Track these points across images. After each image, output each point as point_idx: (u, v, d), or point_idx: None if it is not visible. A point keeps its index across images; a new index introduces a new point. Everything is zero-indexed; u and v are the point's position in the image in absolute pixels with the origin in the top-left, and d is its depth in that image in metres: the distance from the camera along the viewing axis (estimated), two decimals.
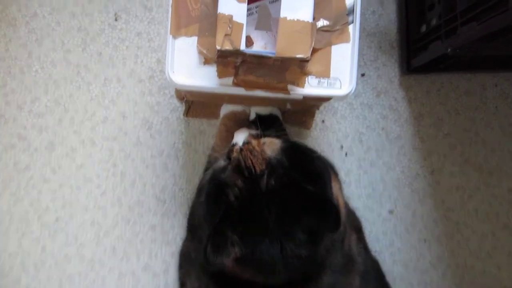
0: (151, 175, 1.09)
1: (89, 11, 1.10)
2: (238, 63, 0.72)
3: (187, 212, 1.02)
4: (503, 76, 1.09)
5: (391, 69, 1.09)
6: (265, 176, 0.67)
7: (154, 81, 1.09)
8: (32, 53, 1.10)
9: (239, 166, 0.69)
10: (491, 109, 1.09)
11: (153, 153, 1.09)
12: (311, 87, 0.75)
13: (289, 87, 0.75)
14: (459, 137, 1.08)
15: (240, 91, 0.75)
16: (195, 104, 1.08)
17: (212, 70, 0.74)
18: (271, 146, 0.71)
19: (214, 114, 1.09)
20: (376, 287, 0.92)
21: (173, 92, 1.08)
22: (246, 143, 0.73)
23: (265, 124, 1.04)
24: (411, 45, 1.06)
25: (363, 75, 1.09)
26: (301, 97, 0.78)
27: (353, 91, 0.75)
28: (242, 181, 0.68)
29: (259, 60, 0.72)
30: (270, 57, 0.70)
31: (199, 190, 0.94)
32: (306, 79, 0.75)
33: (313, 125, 1.09)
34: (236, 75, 0.73)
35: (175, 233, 1.08)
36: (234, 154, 0.71)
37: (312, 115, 1.10)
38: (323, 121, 1.10)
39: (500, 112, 1.09)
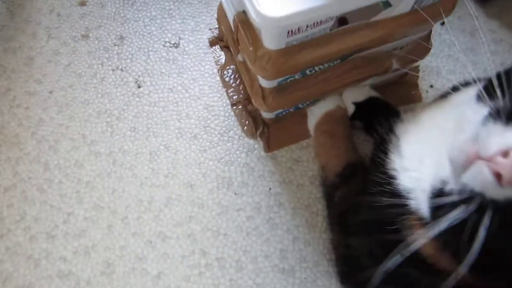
0: (258, 243, 0.76)
1: (104, 90, 0.89)
2: None
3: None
4: None
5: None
6: None
7: (211, 130, 0.84)
8: (48, 165, 0.83)
9: None
10: None
11: (247, 214, 0.78)
12: None
13: None
14: None
15: None
16: (274, 131, 0.83)
17: None
18: None
19: (301, 134, 0.83)
20: None
21: (239, 132, 0.83)
22: None
23: (370, 113, 0.79)
24: None
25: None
26: None
27: None
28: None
29: None
30: None
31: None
32: None
33: (423, 95, 0.85)
34: None
35: None
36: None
37: (415, 85, 0.86)
38: (431, 86, 0.86)
39: None
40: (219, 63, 0.89)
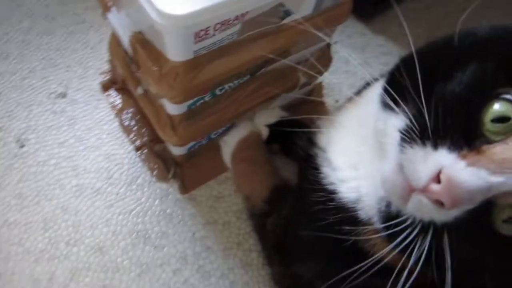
0: None
1: None
2: None
3: None
4: None
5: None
6: None
7: (115, 181, 0.73)
8: None
9: None
10: None
11: (173, 267, 0.67)
12: None
13: None
14: None
15: None
16: (188, 170, 0.75)
17: None
18: None
19: (217, 168, 0.76)
20: None
21: (148, 178, 0.73)
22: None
23: (285, 134, 0.76)
24: None
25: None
26: None
27: None
28: None
29: None
30: None
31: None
32: None
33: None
34: None
35: None
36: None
37: (321, 103, 0.86)
38: (337, 101, 0.87)
39: None
40: (116, 107, 0.80)
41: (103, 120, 0.79)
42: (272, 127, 0.76)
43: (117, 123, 0.78)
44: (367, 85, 0.56)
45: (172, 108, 0.60)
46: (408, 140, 0.35)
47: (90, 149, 0.76)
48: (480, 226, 0.32)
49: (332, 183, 0.49)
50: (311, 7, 0.60)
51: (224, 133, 0.74)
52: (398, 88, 0.39)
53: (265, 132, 0.75)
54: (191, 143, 0.70)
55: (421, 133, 0.34)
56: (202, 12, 0.46)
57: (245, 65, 0.60)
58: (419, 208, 0.34)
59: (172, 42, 0.49)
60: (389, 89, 0.40)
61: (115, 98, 0.81)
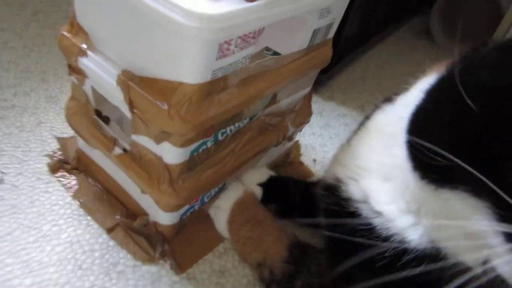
0: None
1: None
2: None
3: None
4: None
5: None
6: None
7: (86, 272, 0.56)
8: None
9: None
10: None
11: None
12: None
13: None
14: None
15: None
16: (180, 245, 0.61)
17: None
18: None
19: (212, 239, 0.63)
20: None
21: (131, 262, 0.58)
22: None
23: (280, 191, 0.69)
24: None
25: None
26: None
27: None
28: None
29: None
30: None
31: None
32: None
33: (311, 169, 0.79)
34: None
35: None
36: None
37: (300, 163, 0.81)
38: (314, 160, 0.82)
39: None
40: (71, 189, 0.65)
41: (57, 204, 0.63)
42: (265, 185, 0.68)
43: (76, 205, 0.63)
44: (367, 118, 0.54)
45: (174, 155, 0.50)
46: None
47: (44, 239, 0.58)
48: None
49: (396, 233, 0.43)
50: (307, 41, 0.58)
51: (215, 197, 0.64)
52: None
53: (259, 191, 0.67)
54: (185, 208, 0.58)
55: None
56: (231, 16, 0.40)
57: (250, 101, 0.54)
58: None
59: (194, 55, 0.41)
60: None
61: (69, 178, 0.67)
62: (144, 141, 0.52)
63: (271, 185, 0.69)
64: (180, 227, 0.62)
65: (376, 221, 0.45)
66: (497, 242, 0.31)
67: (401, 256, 0.42)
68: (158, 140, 0.49)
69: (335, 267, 0.54)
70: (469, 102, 0.32)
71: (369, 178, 0.47)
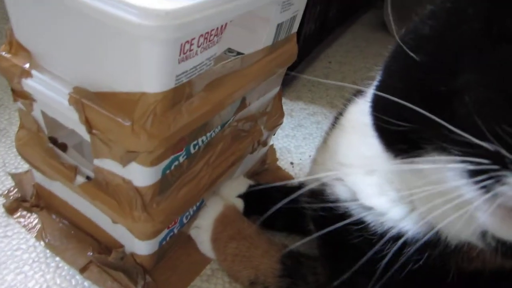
0: None
1: None
2: None
3: None
4: None
5: None
6: None
7: None
8: None
9: None
10: None
11: None
12: None
13: None
14: None
15: None
16: (162, 275, 0.56)
17: None
18: None
19: (196, 263, 0.58)
20: None
21: None
22: None
23: (262, 201, 0.65)
24: None
25: None
26: None
27: None
28: None
29: None
30: None
31: None
32: None
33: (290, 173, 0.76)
34: None
35: None
36: None
37: (277, 168, 0.77)
38: (291, 163, 0.78)
39: None
40: (33, 229, 0.59)
41: (19, 248, 0.56)
42: (245, 196, 0.63)
43: (41, 247, 0.57)
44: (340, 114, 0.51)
45: (144, 176, 0.45)
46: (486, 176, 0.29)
47: None
48: None
49: (391, 227, 0.41)
50: (271, 38, 0.55)
51: (195, 216, 0.59)
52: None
53: (240, 203, 0.63)
54: (164, 233, 0.53)
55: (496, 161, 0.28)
56: (190, 11, 0.36)
57: (220, 106, 0.50)
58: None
59: (153, 58, 0.37)
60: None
61: (30, 218, 0.60)
62: (108, 165, 0.46)
63: (251, 195, 0.64)
64: (160, 254, 0.56)
65: (369, 218, 0.42)
66: (475, 195, 0.29)
67: (401, 250, 0.39)
68: (124, 161, 0.44)
69: (334, 274, 0.50)
70: (411, 54, 0.33)
71: (353, 174, 0.44)
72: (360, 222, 0.42)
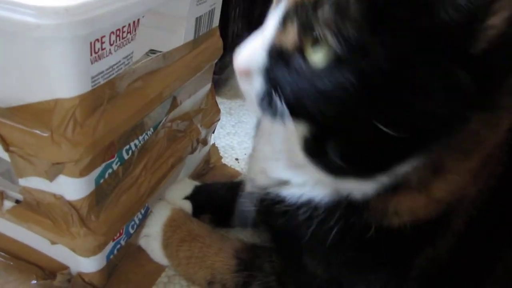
0: None
1: None
2: None
3: None
4: None
5: None
6: None
7: None
8: None
9: None
10: None
11: None
12: None
13: None
14: None
15: None
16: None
17: None
18: None
19: (151, 272, 0.56)
20: None
21: None
22: None
23: (210, 200, 0.65)
24: None
25: None
26: None
27: None
28: None
29: None
30: None
31: None
32: None
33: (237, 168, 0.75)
34: None
35: None
36: None
37: (223, 166, 0.76)
38: (236, 159, 0.78)
39: None
40: None
41: None
42: (193, 198, 0.62)
43: None
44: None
45: (75, 189, 0.43)
46: None
47: None
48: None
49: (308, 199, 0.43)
50: (192, 32, 0.54)
51: (141, 225, 0.57)
52: None
53: (187, 205, 0.61)
54: (109, 246, 0.51)
55: None
56: (90, 6, 0.35)
57: (147, 107, 0.48)
58: None
59: (62, 60, 0.35)
60: None
61: None
62: (35, 183, 0.44)
63: (198, 196, 0.63)
64: (110, 269, 0.54)
65: (284, 193, 0.44)
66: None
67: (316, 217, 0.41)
68: (50, 175, 0.42)
69: (284, 258, 0.51)
70: None
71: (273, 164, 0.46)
72: (280, 200, 0.44)
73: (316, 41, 0.30)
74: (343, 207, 0.39)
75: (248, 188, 0.51)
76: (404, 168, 0.35)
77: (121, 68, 0.42)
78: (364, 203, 0.38)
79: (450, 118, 0.31)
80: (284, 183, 0.44)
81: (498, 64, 0.30)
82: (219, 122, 0.72)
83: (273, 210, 0.45)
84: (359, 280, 0.46)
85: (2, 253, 0.55)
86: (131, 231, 0.55)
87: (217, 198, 0.64)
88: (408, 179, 0.36)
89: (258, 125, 0.52)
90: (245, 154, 0.79)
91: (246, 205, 0.52)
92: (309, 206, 0.42)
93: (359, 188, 0.38)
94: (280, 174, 0.44)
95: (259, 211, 0.50)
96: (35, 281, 0.53)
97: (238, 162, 0.77)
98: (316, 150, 0.35)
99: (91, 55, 0.37)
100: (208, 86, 0.66)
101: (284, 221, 0.45)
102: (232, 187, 0.65)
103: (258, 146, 0.50)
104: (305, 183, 0.42)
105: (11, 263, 0.55)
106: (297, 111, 0.33)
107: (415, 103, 0.30)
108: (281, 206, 0.44)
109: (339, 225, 0.40)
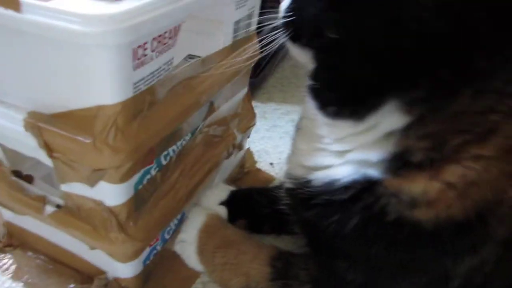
0: None
1: None
2: None
3: None
4: None
5: None
6: None
7: None
8: None
9: None
10: None
11: None
12: None
13: None
14: None
15: None
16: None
17: None
18: None
19: (186, 278, 0.56)
20: None
21: None
22: None
23: (246, 206, 0.64)
24: None
25: None
26: None
27: None
28: None
29: None
30: None
31: None
32: None
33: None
34: None
35: None
36: None
37: (257, 170, 0.75)
38: (271, 164, 0.77)
39: None
40: (8, 270, 0.55)
41: None
42: (229, 204, 0.61)
43: (20, 287, 0.53)
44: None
45: (115, 195, 0.43)
46: None
47: None
48: None
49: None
50: (230, 37, 0.53)
51: (177, 230, 0.57)
52: None
53: (223, 211, 0.61)
54: (146, 252, 0.50)
55: None
56: (134, 13, 0.34)
57: (187, 112, 0.48)
58: None
59: (106, 67, 0.35)
60: None
61: (4, 259, 0.57)
62: (76, 188, 0.44)
63: (234, 201, 0.62)
64: (146, 275, 0.53)
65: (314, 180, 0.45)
66: None
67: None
68: (91, 181, 0.42)
69: (321, 263, 0.50)
70: None
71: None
72: (309, 187, 0.46)
73: None
74: (363, 189, 0.41)
75: (286, 184, 0.52)
76: (390, 116, 0.37)
77: (162, 74, 0.42)
78: (380, 183, 0.40)
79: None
80: (319, 168, 0.45)
81: None
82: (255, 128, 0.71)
83: (304, 203, 0.47)
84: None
85: (42, 257, 0.56)
86: (167, 236, 0.55)
87: (253, 203, 0.63)
88: (416, 158, 0.37)
89: (297, 126, 0.54)
90: (279, 158, 0.78)
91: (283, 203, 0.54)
92: (333, 187, 0.43)
93: (368, 149, 0.40)
94: (318, 161, 0.46)
95: (292, 206, 0.52)
96: (73, 285, 0.53)
97: (273, 167, 0.76)
98: (317, 88, 0.42)
99: (133, 61, 0.37)
100: (245, 90, 0.65)
101: (314, 214, 0.45)
102: (267, 192, 0.64)
103: (298, 144, 0.52)
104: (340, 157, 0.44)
105: (51, 267, 0.56)
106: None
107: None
108: (310, 190, 0.45)
109: (361, 212, 0.41)
